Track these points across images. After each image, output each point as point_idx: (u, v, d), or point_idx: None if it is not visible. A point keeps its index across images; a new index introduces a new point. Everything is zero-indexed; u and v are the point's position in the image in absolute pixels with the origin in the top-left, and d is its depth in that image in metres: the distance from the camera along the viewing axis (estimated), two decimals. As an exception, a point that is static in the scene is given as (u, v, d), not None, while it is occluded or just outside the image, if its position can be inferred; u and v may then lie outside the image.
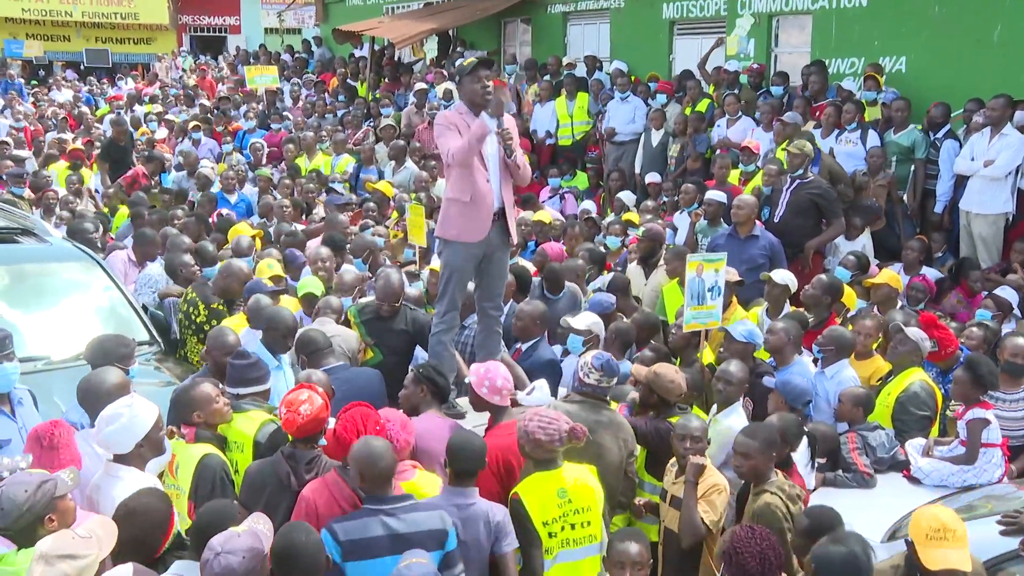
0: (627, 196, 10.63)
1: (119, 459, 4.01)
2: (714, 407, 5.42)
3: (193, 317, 6.63)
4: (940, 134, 9.28)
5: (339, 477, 4.04)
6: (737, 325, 5.88)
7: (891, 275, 7.47)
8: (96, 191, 12.05)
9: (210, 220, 9.58)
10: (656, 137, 11.69)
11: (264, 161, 13.17)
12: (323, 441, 4.33)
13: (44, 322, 6.08)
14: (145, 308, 6.86)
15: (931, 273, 8.27)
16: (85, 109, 18.56)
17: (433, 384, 4.83)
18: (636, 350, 6.46)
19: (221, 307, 6.71)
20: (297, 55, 21.12)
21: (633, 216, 9.61)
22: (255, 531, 3.41)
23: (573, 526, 4.11)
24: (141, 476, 4.00)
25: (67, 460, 3.88)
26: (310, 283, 6.86)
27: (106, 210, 10.81)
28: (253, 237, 8.47)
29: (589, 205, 10.71)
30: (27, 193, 10.74)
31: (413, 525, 3.73)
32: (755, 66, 11.81)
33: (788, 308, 6.93)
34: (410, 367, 5.69)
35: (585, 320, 6.17)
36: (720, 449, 4.97)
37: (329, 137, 13.44)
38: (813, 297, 6.76)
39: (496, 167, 5.67)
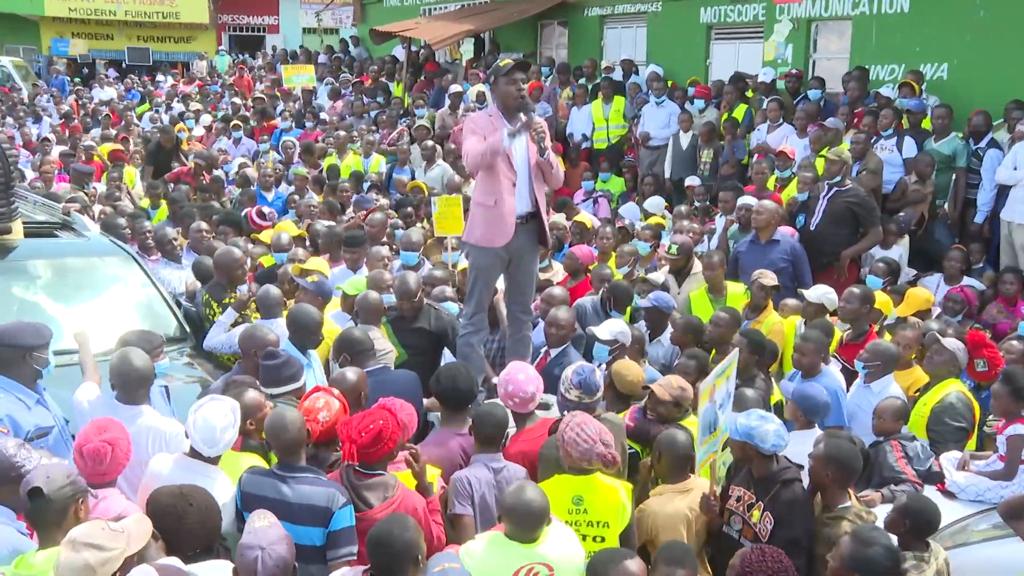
0: (654, 203, 10.54)
1: (203, 458, 4.05)
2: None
3: (212, 318, 6.63)
4: (983, 143, 9.13)
5: (339, 476, 4.09)
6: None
7: (920, 299, 7.17)
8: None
9: (248, 217, 9.60)
10: (685, 140, 11.65)
11: (296, 159, 13.27)
12: None
13: (80, 315, 6.14)
14: (179, 303, 6.91)
15: (972, 284, 8.12)
16: (123, 106, 18.83)
17: (442, 398, 4.87)
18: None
19: (233, 299, 6.68)
20: (335, 55, 21.27)
21: (660, 220, 9.56)
22: (277, 523, 3.50)
23: (584, 537, 4.03)
24: (229, 481, 4.07)
25: (112, 472, 3.91)
26: (360, 284, 6.77)
27: (146, 204, 10.92)
28: (296, 237, 8.51)
29: (629, 209, 10.56)
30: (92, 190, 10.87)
31: (299, 496, 3.88)
32: (793, 72, 11.70)
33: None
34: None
35: (611, 329, 5.97)
36: None
37: (361, 138, 13.51)
38: (852, 312, 6.53)
39: (525, 170, 5.68)
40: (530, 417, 4.86)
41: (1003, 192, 8.87)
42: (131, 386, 4.52)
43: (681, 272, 7.92)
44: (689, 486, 4.48)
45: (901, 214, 8.81)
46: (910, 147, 9.44)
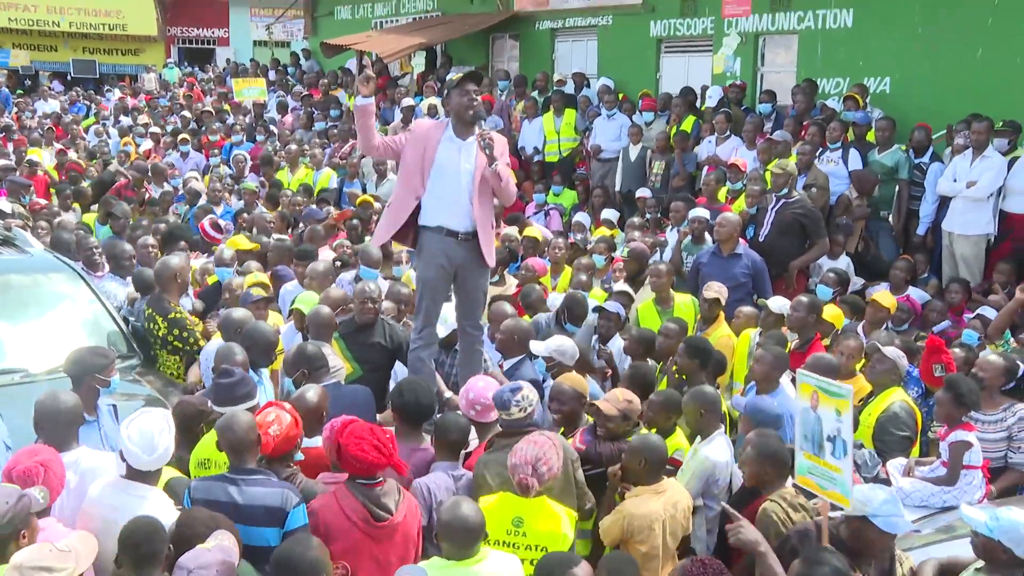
0: (611, 214, 10.67)
1: (138, 476, 3.93)
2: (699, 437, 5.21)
3: (155, 332, 6.48)
4: (925, 157, 9.35)
5: (348, 491, 4.02)
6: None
7: (891, 300, 7.38)
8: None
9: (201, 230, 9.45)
10: (634, 152, 11.76)
11: (247, 173, 13.12)
12: (299, 456, 4.31)
13: (23, 334, 6.02)
14: (126, 320, 6.79)
15: (916, 294, 8.30)
16: (70, 119, 18.46)
17: (403, 413, 4.84)
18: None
19: (179, 315, 6.53)
20: (280, 68, 21.11)
21: (612, 232, 9.66)
22: (222, 546, 3.41)
23: (521, 561, 3.97)
24: (164, 497, 3.97)
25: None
26: (312, 300, 6.68)
27: (90, 220, 10.71)
28: (249, 251, 8.41)
29: (583, 217, 10.68)
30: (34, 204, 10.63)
31: (251, 498, 3.88)
32: (738, 83, 11.89)
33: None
34: (390, 384, 5.68)
35: (548, 345, 5.86)
36: (696, 478, 4.83)
37: (311, 150, 13.42)
38: (799, 320, 6.65)
39: (470, 184, 5.55)
40: (492, 428, 4.84)
41: (944, 203, 9.09)
42: (59, 428, 4.21)
43: (636, 281, 7.99)
44: (663, 487, 4.52)
45: (842, 220, 8.99)
46: (855, 159, 9.63)
